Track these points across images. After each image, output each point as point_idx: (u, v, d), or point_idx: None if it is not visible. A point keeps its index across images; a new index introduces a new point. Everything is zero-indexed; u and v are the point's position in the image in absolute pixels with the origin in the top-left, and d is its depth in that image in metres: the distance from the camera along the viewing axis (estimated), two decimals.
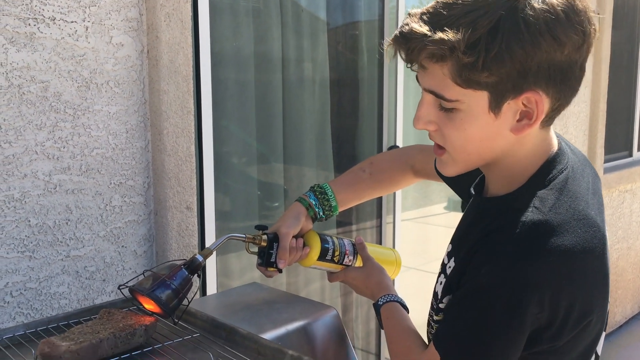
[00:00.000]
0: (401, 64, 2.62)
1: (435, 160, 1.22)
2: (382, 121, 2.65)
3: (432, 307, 1.02)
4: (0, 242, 1.46)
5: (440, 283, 1.00)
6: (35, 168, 1.50)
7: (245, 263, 2.28)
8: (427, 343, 1.04)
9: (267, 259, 1.27)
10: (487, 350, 0.87)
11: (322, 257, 1.30)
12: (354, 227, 2.72)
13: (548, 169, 0.93)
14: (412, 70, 0.91)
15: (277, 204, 2.41)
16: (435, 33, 0.82)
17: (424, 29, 0.83)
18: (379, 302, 1.19)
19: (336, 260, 1.32)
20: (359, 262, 1.34)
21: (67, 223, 1.57)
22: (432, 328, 1.02)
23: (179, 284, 1.12)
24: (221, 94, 2.07)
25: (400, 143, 2.65)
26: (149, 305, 1.12)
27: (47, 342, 1.00)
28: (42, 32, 1.48)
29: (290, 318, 1.28)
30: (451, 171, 0.97)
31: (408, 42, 0.85)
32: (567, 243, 0.85)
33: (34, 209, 1.51)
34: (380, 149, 2.66)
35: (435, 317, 1.00)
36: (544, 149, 0.94)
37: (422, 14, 0.85)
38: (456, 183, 1.18)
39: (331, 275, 1.35)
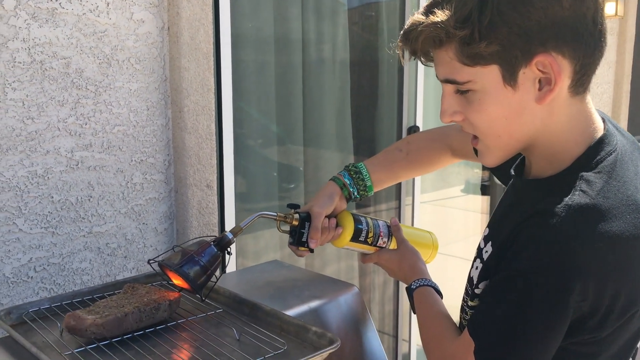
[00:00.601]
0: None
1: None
2: (402, 102, 2.62)
3: (466, 293, 0.99)
4: (24, 217, 1.47)
5: (476, 268, 0.97)
6: (57, 144, 1.50)
7: (264, 244, 2.28)
8: (460, 330, 1.01)
9: (298, 238, 1.25)
10: (525, 339, 0.84)
11: (354, 238, 1.28)
12: (371, 208, 2.71)
13: (595, 150, 0.88)
14: (427, 65, 0.91)
15: (294, 185, 2.41)
16: (428, 17, 0.84)
17: (418, 17, 0.85)
18: (412, 286, 1.16)
19: (370, 242, 1.30)
20: (393, 245, 1.31)
21: (89, 200, 1.57)
22: (467, 314, 0.99)
23: (207, 260, 1.11)
24: (241, 72, 2.06)
25: (420, 123, 2.63)
26: (177, 280, 1.12)
27: (73, 315, 1.00)
28: (63, 8, 1.47)
29: (312, 295, 1.28)
30: (490, 160, 0.94)
31: (407, 35, 0.87)
32: (615, 229, 0.81)
33: (56, 185, 1.51)
34: (400, 130, 2.64)
35: (470, 303, 0.97)
36: (584, 125, 0.89)
37: (423, 7, 0.87)
38: (497, 168, 1.14)
39: (364, 257, 1.33)
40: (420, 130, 2.63)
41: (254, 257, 2.24)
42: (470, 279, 0.99)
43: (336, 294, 1.30)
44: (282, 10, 2.21)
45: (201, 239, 1.14)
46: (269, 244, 2.31)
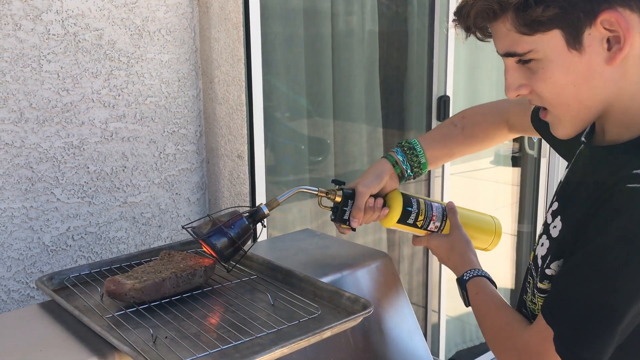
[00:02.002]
0: (452, 11, 2.54)
1: (532, 117, 1.17)
2: (432, 72, 2.59)
3: (530, 274, 0.94)
4: (61, 187, 1.50)
5: (542, 245, 0.91)
6: (92, 116, 1.53)
7: (295, 216, 2.30)
8: (525, 317, 0.96)
9: (340, 215, 1.21)
10: (613, 319, 0.76)
11: (402, 220, 1.22)
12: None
13: None
14: (485, 41, 0.88)
15: (322, 157, 2.41)
16: None
17: None
18: (464, 277, 1.10)
19: (419, 225, 1.23)
20: (447, 229, 1.24)
21: (123, 170, 1.60)
22: (534, 297, 0.93)
23: (236, 233, 1.10)
24: (270, 43, 2.06)
25: (450, 94, 2.60)
26: (207, 248, 1.14)
27: (113, 280, 1.03)
28: None
29: (344, 263, 1.29)
30: (562, 131, 0.88)
31: (460, 11, 0.85)
32: None
33: (92, 155, 1.54)
34: (430, 101, 2.61)
35: (539, 285, 0.90)
36: None
37: None
38: (558, 142, 1.07)
39: (415, 239, 1.27)
40: (450, 100, 2.61)
41: (282, 229, 2.26)
42: (534, 258, 0.93)
43: (368, 261, 1.31)
44: None
45: (236, 209, 1.15)
46: (297, 218, 2.33)
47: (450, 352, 2.99)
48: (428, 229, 1.24)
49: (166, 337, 0.94)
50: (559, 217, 0.90)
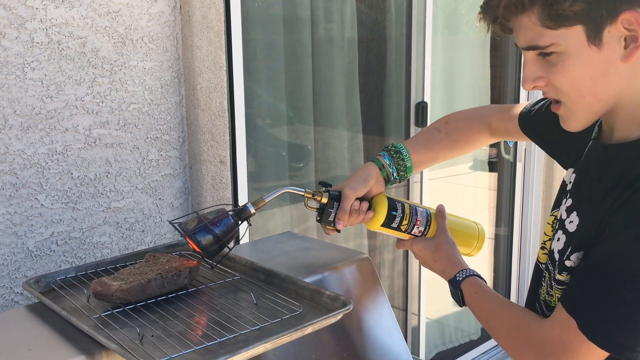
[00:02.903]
0: (429, 20, 2.61)
1: (521, 122, 1.21)
2: (410, 78, 2.65)
3: (546, 268, 0.97)
4: (45, 193, 1.52)
5: (558, 240, 0.95)
6: (76, 122, 1.55)
7: (277, 222, 2.33)
8: (536, 314, 0.97)
9: (325, 217, 1.23)
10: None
11: (386, 224, 1.24)
12: None
13: None
14: (502, 37, 0.93)
15: (303, 163, 2.45)
16: None
17: None
18: (457, 278, 1.11)
19: (403, 229, 1.25)
20: (431, 234, 1.26)
21: (107, 176, 1.62)
22: (551, 289, 0.95)
23: (221, 230, 1.12)
24: (251, 50, 2.09)
25: (428, 99, 2.66)
26: (192, 245, 1.16)
27: (99, 281, 1.05)
28: None
29: (325, 263, 1.33)
30: (574, 124, 0.92)
31: (489, 2, 0.88)
32: None
33: (75, 162, 1.56)
34: (408, 106, 2.67)
35: (558, 277, 0.93)
36: None
37: None
38: (550, 143, 1.14)
39: (399, 242, 1.30)
40: (428, 106, 2.66)
41: (264, 234, 2.29)
42: (551, 253, 0.96)
43: (348, 262, 1.35)
44: None
45: (222, 206, 1.17)
46: (278, 223, 2.36)
47: (431, 354, 3.03)
48: (412, 233, 1.26)
49: (152, 336, 0.97)
50: (574, 212, 0.93)
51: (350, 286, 1.33)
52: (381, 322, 1.34)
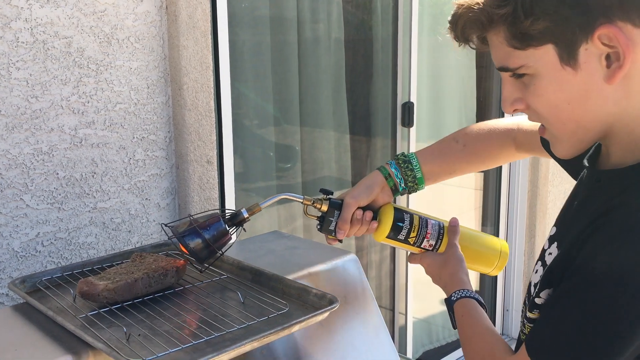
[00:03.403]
0: (415, 21, 2.62)
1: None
2: (396, 78, 2.66)
3: (524, 303, 0.89)
4: (31, 194, 1.51)
5: (536, 272, 0.86)
6: (61, 122, 1.54)
7: (264, 222, 2.33)
8: (511, 348, 0.91)
9: (326, 226, 1.17)
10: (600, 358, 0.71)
11: (392, 236, 1.17)
12: None
13: None
14: (483, 50, 0.84)
15: (290, 164, 2.45)
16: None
17: (460, 0, 0.80)
18: (452, 298, 1.04)
19: (412, 242, 1.18)
20: (442, 248, 1.18)
21: (93, 176, 1.62)
22: (524, 327, 0.88)
23: (212, 235, 1.11)
24: (238, 50, 2.09)
25: (414, 99, 2.67)
26: (183, 249, 1.16)
27: (86, 281, 1.05)
28: None
29: (311, 262, 1.33)
30: (561, 151, 0.83)
31: (451, 21, 0.82)
32: None
33: (61, 162, 1.56)
34: (394, 107, 2.68)
35: (528, 314, 0.85)
36: None
37: None
38: (567, 162, 1.00)
39: (410, 256, 1.22)
40: (414, 106, 2.68)
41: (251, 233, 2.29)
42: (529, 286, 0.88)
43: (335, 261, 1.35)
44: None
45: (216, 211, 1.16)
46: (265, 224, 2.36)
47: (418, 353, 3.05)
48: (422, 246, 1.18)
49: (139, 335, 0.97)
50: (555, 243, 0.85)
51: (337, 285, 1.33)
52: (368, 321, 1.35)
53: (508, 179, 3.35)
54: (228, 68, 1.94)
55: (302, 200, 1.17)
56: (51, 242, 1.57)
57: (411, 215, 1.18)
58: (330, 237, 1.19)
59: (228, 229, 1.13)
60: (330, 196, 1.18)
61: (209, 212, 1.16)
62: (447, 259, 1.12)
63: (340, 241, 1.19)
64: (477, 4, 0.77)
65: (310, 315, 1.02)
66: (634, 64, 0.73)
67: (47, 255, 1.56)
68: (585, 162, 0.88)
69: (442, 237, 1.18)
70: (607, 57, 0.73)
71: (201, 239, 1.11)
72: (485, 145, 1.21)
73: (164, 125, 1.74)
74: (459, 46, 0.85)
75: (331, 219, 1.17)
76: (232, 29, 1.99)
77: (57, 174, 1.55)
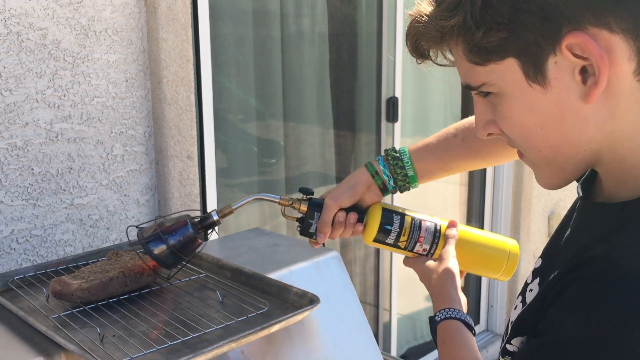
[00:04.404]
0: (400, 16, 2.60)
1: None
2: (380, 73, 2.64)
3: (502, 340, 0.79)
4: (5, 190, 1.47)
5: (515, 308, 0.76)
6: (36, 116, 1.50)
7: (249, 218, 2.31)
8: None
9: (306, 228, 1.08)
10: None
11: (379, 239, 1.06)
12: None
13: None
14: (450, 65, 0.74)
15: (274, 159, 2.43)
16: (416, 11, 0.69)
17: (410, 12, 0.71)
18: (436, 318, 0.93)
19: (403, 247, 1.06)
20: (439, 253, 1.06)
21: (69, 171, 1.58)
22: None
23: (177, 240, 1.04)
24: (219, 44, 2.06)
25: (399, 94, 2.65)
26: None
27: (59, 280, 1.02)
28: None
29: (293, 259, 1.31)
30: (542, 181, 0.71)
31: (406, 33, 0.73)
32: None
33: (36, 157, 1.51)
34: (379, 102, 2.66)
35: (501, 359, 0.77)
36: None
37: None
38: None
39: (404, 259, 1.11)
40: (399, 101, 2.66)
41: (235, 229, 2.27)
42: (507, 322, 0.78)
43: (316, 258, 1.33)
44: None
45: (186, 213, 1.10)
46: (251, 219, 2.33)
47: (402, 349, 3.04)
48: (414, 251, 1.07)
49: (114, 336, 0.94)
50: (538, 279, 0.74)
51: (319, 283, 1.31)
52: (350, 319, 1.33)
53: (493, 175, 3.35)
54: (209, 62, 1.90)
55: (278, 201, 1.08)
56: (26, 240, 1.53)
57: (402, 217, 1.06)
58: (312, 240, 1.09)
59: (196, 234, 1.06)
60: (310, 196, 1.08)
61: (178, 215, 1.09)
62: (438, 270, 1.00)
63: (324, 244, 1.10)
64: (426, 15, 0.66)
65: (290, 315, 1.00)
66: (617, 78, 0.60)
67: (22, 253, 1.52)
68: (579, 190, 0.76)
69: (438, 241, 1.06)
70: (583, 70, 0.61)
71: (166, 245, 1.03)
72: (488, 142, 1.01)
73: (143, 119, 1.71)
74: (418, 63, 0.75)
75: (311, 221, 1.07)
76: (214, 21, 1.96)
77: (32, 169, 1.51)
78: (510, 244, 1.08)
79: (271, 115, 2.36)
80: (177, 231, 1.04)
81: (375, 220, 1.05)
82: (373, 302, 2.90)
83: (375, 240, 1.06)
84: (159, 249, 1.04)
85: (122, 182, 1.69)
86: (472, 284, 3.45)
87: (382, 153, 1.10)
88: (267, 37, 2.27)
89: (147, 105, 1.71)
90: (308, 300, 1.05)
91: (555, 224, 3.50)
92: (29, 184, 1.51)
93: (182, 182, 1.78)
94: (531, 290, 0.74)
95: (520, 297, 0.77)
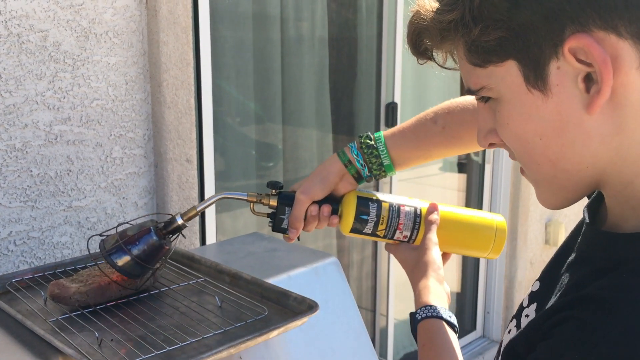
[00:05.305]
0: (400, 21, 2.61)
1: None
2: (380, 78, 2.65)
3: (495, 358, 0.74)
4: (3, 191, 1.47)
5: (509, 331, 0.72)
6: (36, 118, 1.50)
7: (242, 223, 2.30)
8: None
9: (278, 224, 1.03)
10: None
11: (357, 230, 1.01)
12: None
13: None
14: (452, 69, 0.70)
15: (273, 162, 2.42)
16: (418, 7, 0.66)
17: (413, 8, 0.68)
18: (417, 316, 0.88)
19: (381, 235, 1.00)
20: (420, 239, 1.00)
21: (68, 174, 1.58)
22: None
23: (141, 249, 0.99)
24: (219, 48, 2.06)
25: (398, 100, 2.66)
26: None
27: (57, 283, 1.02)
28: None
29: (291, 265, 1.30)
30: (542, 199, 0.67)
31: (407, 30, 0.70)
32: None
33: (35, 159, 1.51)
34: (378, 107, 2.66)
35: None
36: None
37: None
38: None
39: (386, 245, 1.06)
40: (398, 107, 2.66)
41: (233, 234, 2.26)
42: (500, 344, 0.74)
43: (315, 264, 1.33)
44: None
45: (150, 218, 1.06)
46: (248, 222, 2.33)
47: (399, 355, 3.04)
48: (394, 238, 1.01)
49: (112, 340, 0.94)
50: (535, 304, 0.70)
51: (317, 288, 1.31)
52: (348, 324, 1.32)
53: (491, 181, 3.35)
54: (210, 65, 1.90)
55: (245, 198, 1.02)
56: (24, 242, 1.52)
57: (379, 204, 1.00)
58: (285, 235, 1.03)
59: (160, 240, 1.01)
60: (280, 190, 1.02)
61: (141, 221, 1.04)
62: (418, 259, 0.95)
63: (298, 238, 1.04)
64: (427, 10, 0.63)
65: (289, 321, 1.00)
66: (625, 88, 0.55)
67: (19, 255, 1.52)
68: (585, 213, 0.69)
69: (419, 226, 1.00)
70: (588, 78, 0.56)
71: (129, 256, 0.99)
72: (471, 130, 0.97)
73: (142, 122, 1.70)
74: (419, 63, 0.71)
75: (282, 216, 1.01)
76: (214, 25, 1.96)
77: (31, 171, 1.51)
78: (497, 220, 1.03)
79: (270, 119, 2.36)
80: (140, 240, 1.00)
81: (350, 210, 0.99)
82: (370, 307, 2.90)
83: (352, 231, 1.01)
84: (122, 260, 0.99)
85: (121, 184, 1.68)
86: (469, 290, 3.45)
87: (355, 140, 1.04)
88: (267, 40, 2.27)
89: (146, 108, 1.71)
90: (307, 306, 1.05)
91: (553, 231, 3.51)
92: (28, 185, 1.51)
93: (181, 185, 1.77)
94: (527, 315, 0.70)
95: (514, 321, 0.73)
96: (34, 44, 1.47)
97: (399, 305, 2.92)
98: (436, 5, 0.63)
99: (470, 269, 3.43)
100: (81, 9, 1.54)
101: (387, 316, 2.88)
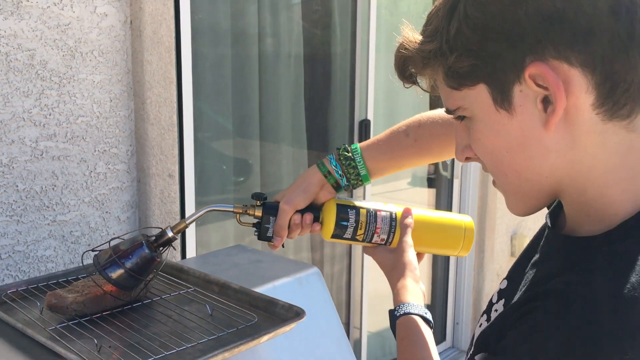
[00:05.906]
0: (372, 40, 2.70)
1: None
2: (354, 96, 2.73)
3: (466, 355, 0.82)
4: None
5: (480, 325, 0.80)
6: (22, 134, 1.53)
7: (222, 235, 2.35)
8: None
9: (263, 233, 1.09)
10: None
11: (338, 235, 1.08)
12: None
13: None
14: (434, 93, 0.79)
15: (250, 177, 2.48)
16: (404, 38, 0.76)
17: (400, 39, 0.77)
18: (396, 313, 0.94)
19: (360, 239, 1.08)
20: (396, 241, 1.08)
21: (53, 189, 1.61)
22: None
23: (135, 263, 1.04)
24: (200, 66, 2.12)
25: (371, 117, 2.74)
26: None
27: (54, 294, 1.05)
28: (28, 1, 1.50)
29: (275, 275, 1.36)
30: (510, 207, 0.76)
31: (394, 59, 0.79)
32: None
33: (21, 174, 1.54)
34: (352, 123, 2.74)
35: None
36: (636, 166, 0.66)
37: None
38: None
39: (363, 248, 1.13)
40: (371, 124, 2.75)
41: (216, 247, 2.30)
42: (472, 337, 0.81)
43: (298, 274, 1.39)
44: (239, 6, 2.28)
45: (141, 232, 1.11)
46: (229, 235, 2.38)
47: None
48: (372, 242, 1.09)
49: (110, 346, 0.98)
50: (503, 300, 0.79)
51: (301, 298, 1.36)
52: (330, 333, 1.38)
53: (459, 196, 3.46)
54: (190, 83, 1.96)
55: (232, 210, 1.08)
56: (9, 255, 1.54)
57: (357, 211, 1.07)
58: (271, 243, 1.10)
59: (152, 253, 1.06)
60: (264, 200, 1.09)
61: (132, 236, 1.09)
62: (396, 261, 1.03)
63: (283, 245, 1.11)
64: (411, 41, 0.74)
65: (279, 326, 1.05)
66: (576, 110, 0.64)
67: (4, 269, 1.54)
68: (547, 219, 0.79)
69: (395, 230, 1.08)
70: (545, 100, 0.65)
71: (123, 270, 1.04)
72: (439, 142, 1.09)
73: (126, 138, 1.75)
74: (405, 87, 0.81)
75: (267, 225, 1.08)
76: (195, 45, 2.01)
77: (17, 186, 1.54)
78: (465, 220, 1.12)
79: (248, 135, 2.42)
80: (133, 253, 1.05)
81: (331, 217, 1.07)
82: (344, 319, 2.95)
83: (333, 236, 1.08)
84: (117, 273, 1.04)
85: (104, 199, 1.72)
86: (439, 302, 3.54)
87: (333, 152, 1.13)
88: (245, 59, 2.33)
89: (130, 124, 1.75)
90: (294, 313, 1.10)
91: (518, 244, 3.62)
92: (13, 200, 1.53)
93: (163, 199, 1.82)
94: (496, 310, 0.78)
95: (485, 316, 0.80)
96: (21, 62, 1.51)
97: (371, 318, 2.98)
98: (418, 37, 0.74)
99: (439, 281, 3.52)
100: (68, 28, 1.58)
101: (360, 329, 2.94)
